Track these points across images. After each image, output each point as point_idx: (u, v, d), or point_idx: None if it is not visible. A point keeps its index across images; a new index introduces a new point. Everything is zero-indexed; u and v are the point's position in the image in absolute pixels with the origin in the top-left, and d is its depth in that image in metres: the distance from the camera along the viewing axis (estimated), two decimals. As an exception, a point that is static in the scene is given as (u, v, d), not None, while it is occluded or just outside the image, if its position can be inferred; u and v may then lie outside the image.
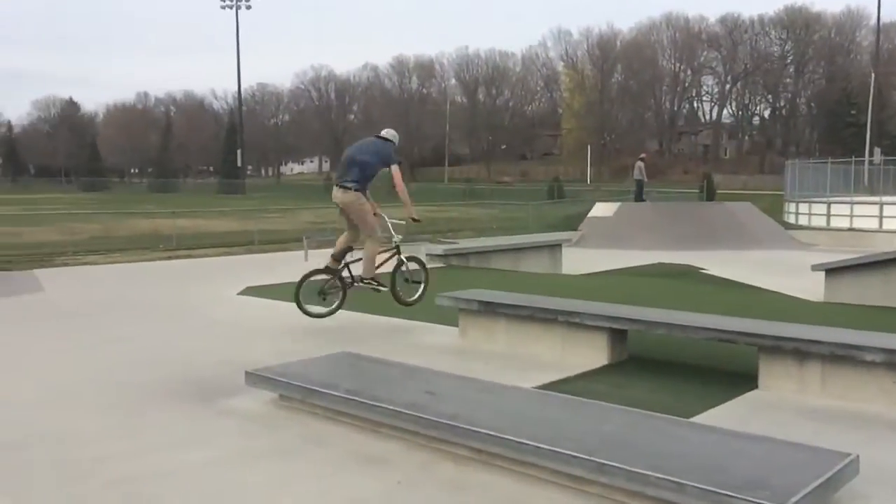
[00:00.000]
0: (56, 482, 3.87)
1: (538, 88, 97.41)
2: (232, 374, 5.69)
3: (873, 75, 49.05)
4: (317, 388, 4.81)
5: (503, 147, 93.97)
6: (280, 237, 20.90)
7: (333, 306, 7.40)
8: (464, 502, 3.61)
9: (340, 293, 7.40)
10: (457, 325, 7.39)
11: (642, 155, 26.44)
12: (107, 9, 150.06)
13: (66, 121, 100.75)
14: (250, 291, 10.49)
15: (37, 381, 5.84)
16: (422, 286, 7.60)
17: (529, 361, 6.35)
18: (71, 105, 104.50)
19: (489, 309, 6.95)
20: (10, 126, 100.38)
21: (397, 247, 7.53)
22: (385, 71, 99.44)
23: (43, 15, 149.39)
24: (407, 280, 7.56)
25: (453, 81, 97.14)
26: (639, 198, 24.38)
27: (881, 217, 26.55)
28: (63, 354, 6.81)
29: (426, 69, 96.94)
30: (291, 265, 14.06)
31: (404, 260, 7.53)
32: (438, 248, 14.38)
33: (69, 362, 6.50)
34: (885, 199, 28.85)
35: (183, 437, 4.57)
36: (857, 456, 3.57)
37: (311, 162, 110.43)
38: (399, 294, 7.45)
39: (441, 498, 3.66)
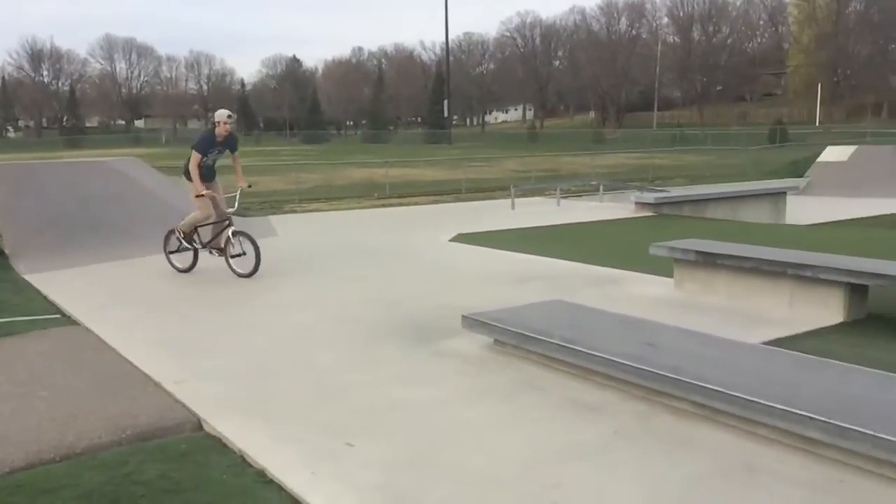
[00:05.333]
0: (305, 407, 4.27)
1: (760, 23, 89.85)
2: (449, 317, 5.93)
3: None
4: (532, 335, 4.87)
5: (719, 89, 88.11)
6: (486, 185, 21.23)
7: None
8: (685, 456, 3.51)
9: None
10: (671, 276, 7.14)
11: None
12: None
13: (289, 77, 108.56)
14: (461, 238, 10.79)
15: (282, 317, 6.45)
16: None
17: (753, 316, 6.00)
18: (294, 62, 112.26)
19: (708, 260, 6.62)
20: (243, 84, 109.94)
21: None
22: (592, 13, 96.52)
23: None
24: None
25: (665, 20, 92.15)
26: None
27: None
28: (301, 293, 7.44)
29: (636, 9, 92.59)
30: (499, 213, 14.31)
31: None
32: (649, 197, 13.91)
33: (307, 300, 7.10)
34: None
35: (409, 373, 4.84)
36: None
37: (515, 110, 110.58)
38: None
39: (660, 450, 3.59)
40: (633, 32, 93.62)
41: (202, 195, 8.10)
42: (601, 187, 17.06)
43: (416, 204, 17.16)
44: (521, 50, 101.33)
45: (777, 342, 5.22)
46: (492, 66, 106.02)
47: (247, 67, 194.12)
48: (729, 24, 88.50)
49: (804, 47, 79.53)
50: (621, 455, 3.57)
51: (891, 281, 5.55)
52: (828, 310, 5.85)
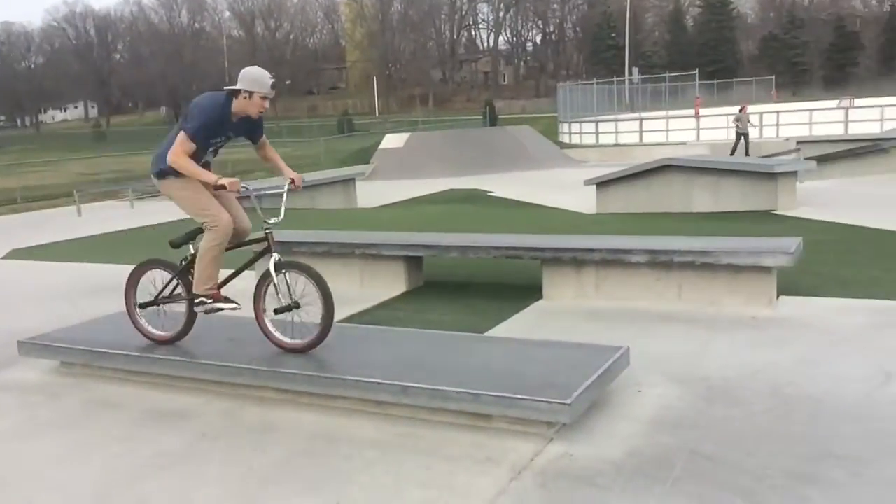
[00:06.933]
0: None
1: (318, 20, 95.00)
2: (4, 344, 5.19)
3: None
4: (104, 350, 4.51)
5: (288, 83, 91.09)
6: (48, 192, 19.09)
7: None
8: (271, 443, 3.59)
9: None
10: (251, 269, 7.19)
11: (741, 107, 23.01)
12: None
13: None
14: (17, 254, 9.57)
15: None
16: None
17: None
18: None
19: (285, 249, 6.80)
20: None
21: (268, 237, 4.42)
22: (150, 4, 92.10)
23: None
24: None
25: (228, 14, 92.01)
26: (747, 151, 21.27)
27: (641, 132, 29.16)
28: None
29: (196, 1, 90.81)
30: (64, 222, 12.95)
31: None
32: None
33: None
34: (644, 114, 31.66)
35: (-50, 421, 4.12)
36: (627, 348, 3.98)
37: (76, 108, 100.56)
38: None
39: (248, 442, 3.62)
40: (196, 26, 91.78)
41: (221, 184, 4.05)
42: (178, 186, 16.46)
43: (-44, 220, 14.65)
44: (74, 42, 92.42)
45: (352, 318, 5.61)
46: (41, 59, 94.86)
47: None
48: (290, 20, 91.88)
49: (358, 44, 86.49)
50: (209, 456, 3.51)
51: (439, 251, 6.35)
52: (393, 282, 6.47)
